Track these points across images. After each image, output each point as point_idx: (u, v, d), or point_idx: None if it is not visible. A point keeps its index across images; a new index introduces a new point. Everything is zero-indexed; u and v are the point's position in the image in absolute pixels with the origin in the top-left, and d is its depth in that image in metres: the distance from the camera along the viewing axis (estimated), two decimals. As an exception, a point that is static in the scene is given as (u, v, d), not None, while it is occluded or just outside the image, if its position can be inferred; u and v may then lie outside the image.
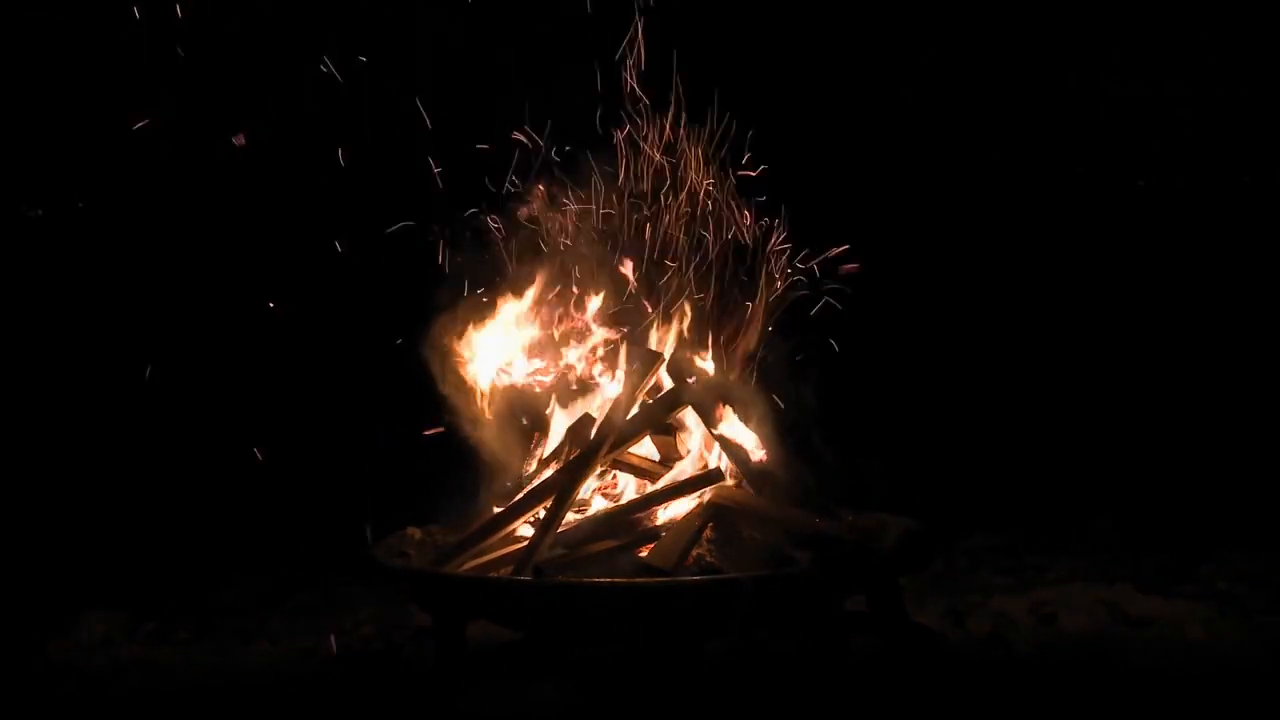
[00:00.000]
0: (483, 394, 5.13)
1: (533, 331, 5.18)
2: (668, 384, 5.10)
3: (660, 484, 4.87)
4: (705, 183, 5.14)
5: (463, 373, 5.13)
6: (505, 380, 5.15)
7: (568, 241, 5.17)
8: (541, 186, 5.25)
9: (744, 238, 5.15)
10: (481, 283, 5.21)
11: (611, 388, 5.15)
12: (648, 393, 5.05)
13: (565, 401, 5.20)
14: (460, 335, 5.15)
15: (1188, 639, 5.17)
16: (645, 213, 5.14)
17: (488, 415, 5.10)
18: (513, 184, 5.25)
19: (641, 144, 5.21)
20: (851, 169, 7.90)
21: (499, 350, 5.17)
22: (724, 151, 5.21)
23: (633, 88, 5.21)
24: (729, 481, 4.83)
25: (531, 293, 5.18)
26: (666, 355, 5.09)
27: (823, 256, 5.19)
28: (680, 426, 5.04)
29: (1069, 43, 8.25)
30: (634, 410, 4.99)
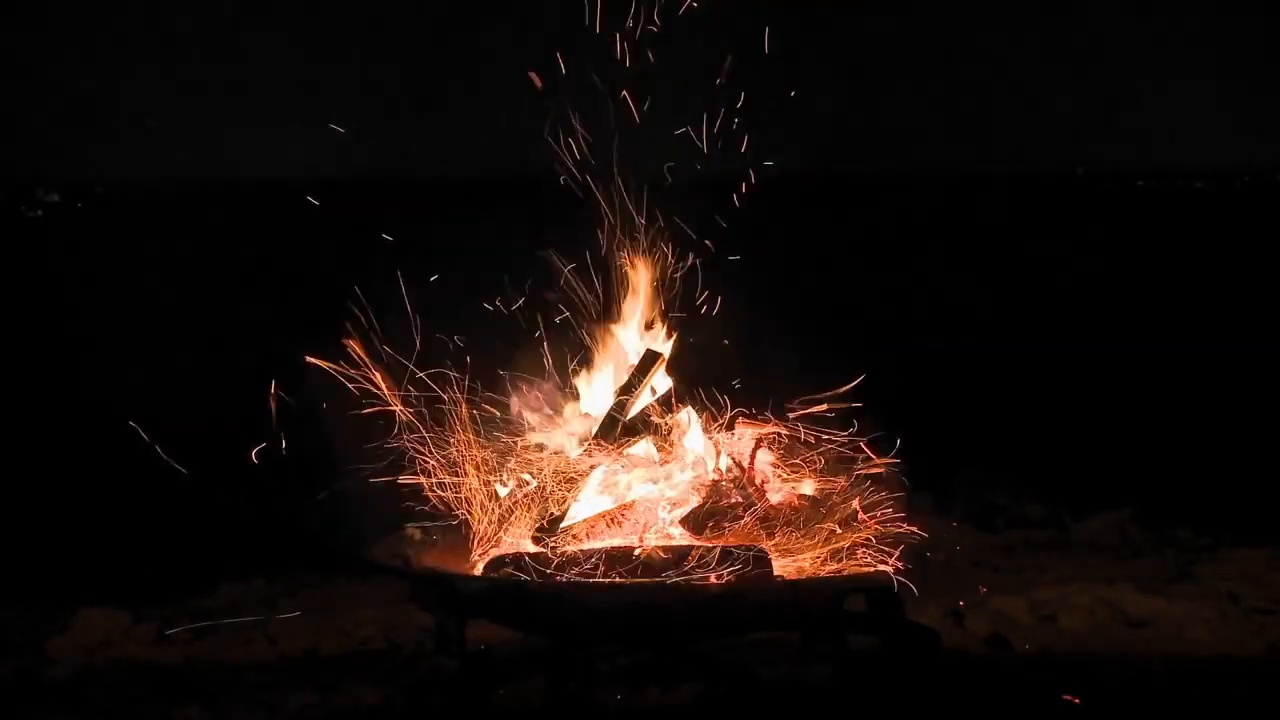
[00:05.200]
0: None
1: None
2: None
3: (660, 484, 4.87)
4: None
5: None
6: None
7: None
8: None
9: None
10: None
11: (612, 388, 5.15)
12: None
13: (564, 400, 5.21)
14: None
15: (1188, 639, 5.17)
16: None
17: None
18: None
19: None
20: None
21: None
22: None
23: None
24: (730, 481, 4.83)
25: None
26: (666, 355, 5.09)
27: None
28: (680, 427, 5.04)
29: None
30: (634, 410, 4.98)
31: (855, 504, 4.83)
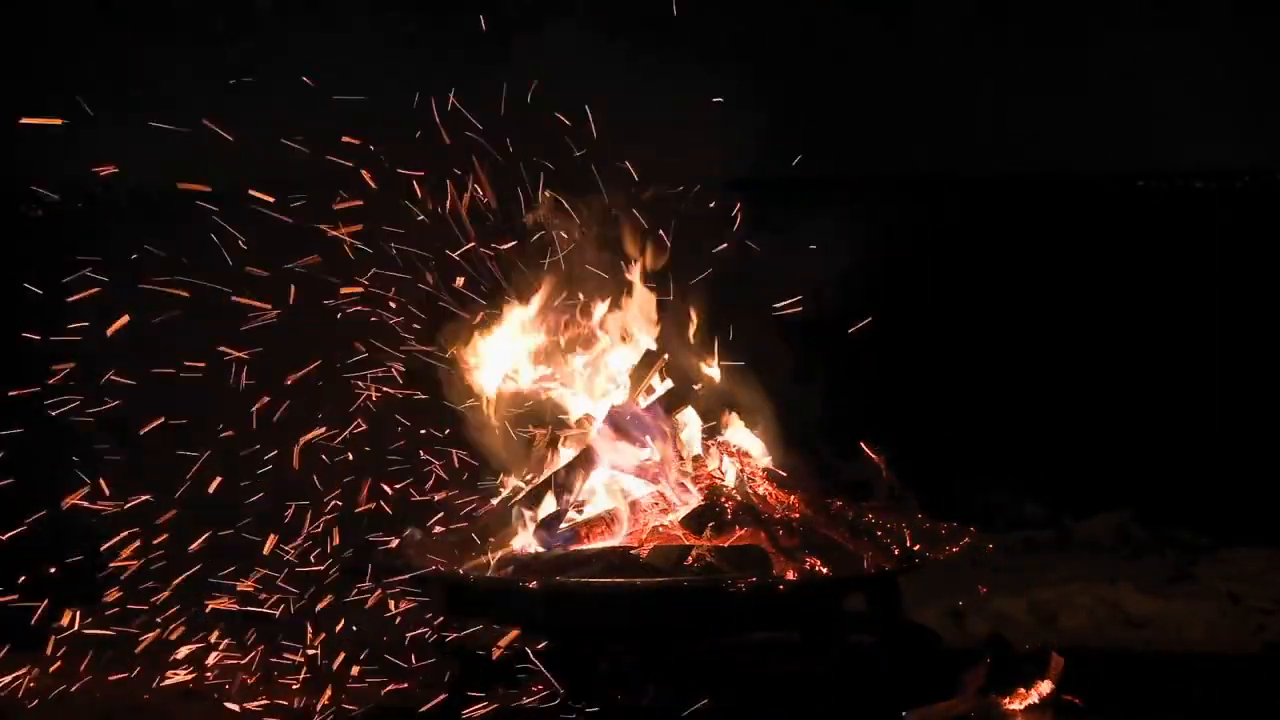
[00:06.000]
0: (489, 401, 5.12)
1: (538, 338, 5.17)
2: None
3: (662, 484, 4.88)
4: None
5: (469, 380, 5.12)
6: (511, 386, 5.15)
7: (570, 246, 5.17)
8: (547, 194, 5.22)
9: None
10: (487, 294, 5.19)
11: (612, 388, 5.16)
12: (647, 392, 5.05)
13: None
14: (466, 343, 5.14)
15: (1188, 639, 5.18)
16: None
17: (493, 421, 5.08)
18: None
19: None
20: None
21: (506, 357, 5.16)
22: None
23: None
24: (729, 481, 4.84)
25: (536, 300, 5.17)
26: (666, 355, 5.09)
27: None
28: (681, 427, 5.05)
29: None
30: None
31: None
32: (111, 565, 5.14)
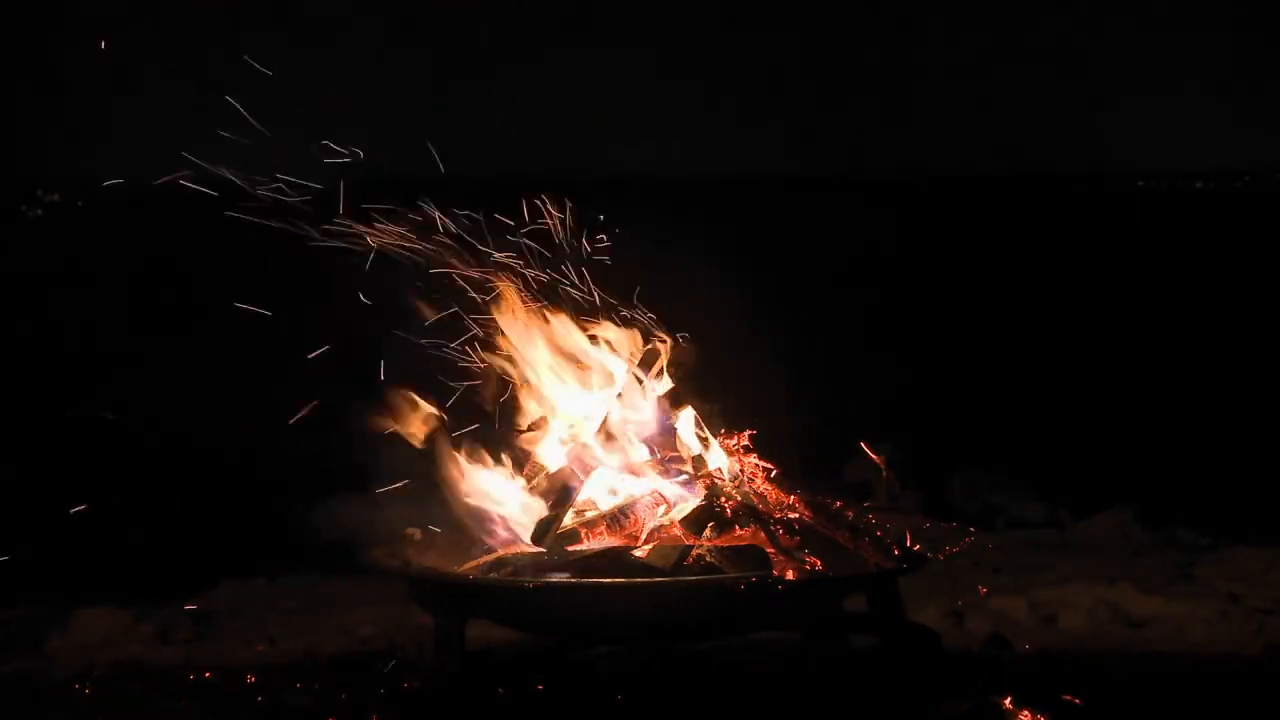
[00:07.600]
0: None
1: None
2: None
3: (661, 485, 4.88)
4: None
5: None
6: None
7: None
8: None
9: None
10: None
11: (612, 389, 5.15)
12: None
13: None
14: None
15: (1188, 639, 5.18)
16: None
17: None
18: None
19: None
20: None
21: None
22: None
23: None
24: (729, 481, 4.84)
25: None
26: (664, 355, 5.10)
27: None
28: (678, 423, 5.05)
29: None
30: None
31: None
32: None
